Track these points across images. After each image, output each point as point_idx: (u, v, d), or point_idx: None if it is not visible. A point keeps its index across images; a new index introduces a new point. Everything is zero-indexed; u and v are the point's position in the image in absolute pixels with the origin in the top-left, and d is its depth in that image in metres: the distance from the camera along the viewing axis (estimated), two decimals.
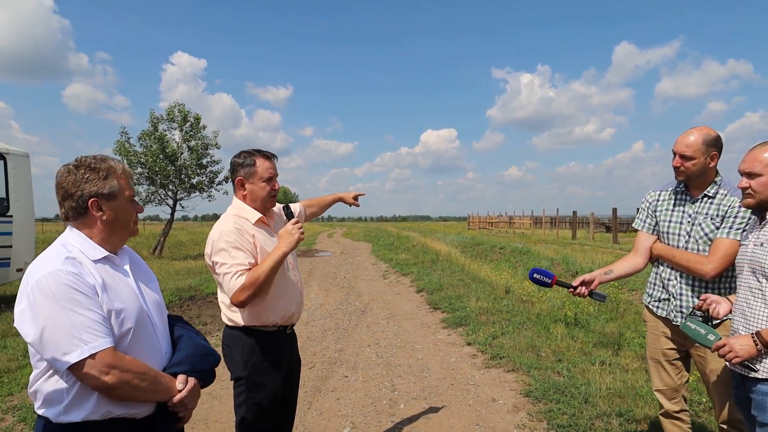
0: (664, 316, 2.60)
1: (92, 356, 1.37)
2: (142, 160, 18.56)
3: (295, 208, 2.78)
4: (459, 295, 8.71)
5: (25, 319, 1.40)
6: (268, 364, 2.38)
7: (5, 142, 8.43)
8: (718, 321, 2.13)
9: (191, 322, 1.84)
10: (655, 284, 2.67)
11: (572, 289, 2.59)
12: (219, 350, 1.98)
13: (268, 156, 2.44)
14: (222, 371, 2.05)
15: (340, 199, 3.08)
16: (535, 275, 2.67)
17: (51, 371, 1.43)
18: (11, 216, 8.25)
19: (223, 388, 4.41)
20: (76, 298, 1.39)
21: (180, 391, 1.56)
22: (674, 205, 2.58)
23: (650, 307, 2.69)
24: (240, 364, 2.35)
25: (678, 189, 2.58)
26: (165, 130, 19.31)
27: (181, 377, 1.58)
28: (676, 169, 2.48)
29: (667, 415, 2.66)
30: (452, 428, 3.71)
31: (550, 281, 2.63)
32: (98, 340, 1.39)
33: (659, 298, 2.63)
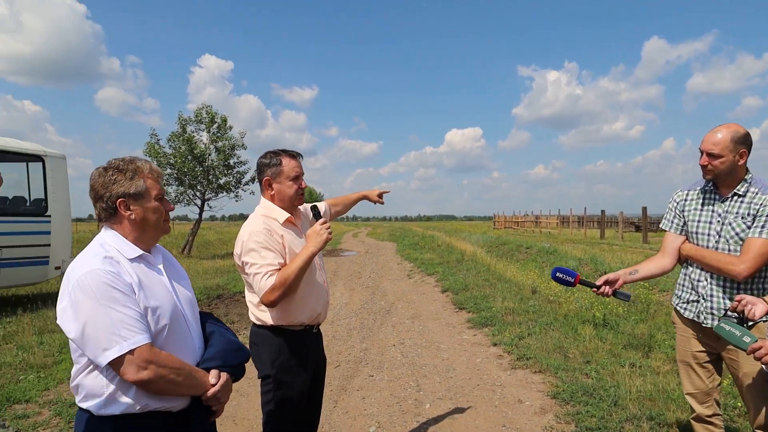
0: (690, 318, 2.55)
1: (131, 352, 1.43)
2: (171, 161, 18.99)
3: (321, 207, 2.81)
4: (485, 295, 8.65)
5: (66, 316, 1.46)
6: (295, 363, 2.41)
7: (42, 145, 8.75)
8: (753, 323, 2.08)
9: None
10: (683, 286, 2.62)
11: (596, 289, 2.56)
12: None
13: (294, 155, 2.46)
14: (249, 369, 2.10)
15: (365, 197, 3.09)
16: (558, 274, 2.64)
17: (92, 366, 1.49)
18: (50, 216, 8.56)
19: (250, 385, 4.49)
20: (114, 295, 1.45)
21: (213, 385, 1.60)
22: (703, 204, 2.53)
23: (678, 309, 2.64)
24: (267, 363, 2.39)
25: (706, 188, 2.52)
26: (193, 132, 19.74)
27: (213, 372, 1.63)
28: (703, 167, 2.42)
29: (699, 419, 2.60)
30: (478, 429, 3.70)
31: (573, 280, 2.61)
32: (136, 336, 1.45)
33: (687, 299, 2.57)
